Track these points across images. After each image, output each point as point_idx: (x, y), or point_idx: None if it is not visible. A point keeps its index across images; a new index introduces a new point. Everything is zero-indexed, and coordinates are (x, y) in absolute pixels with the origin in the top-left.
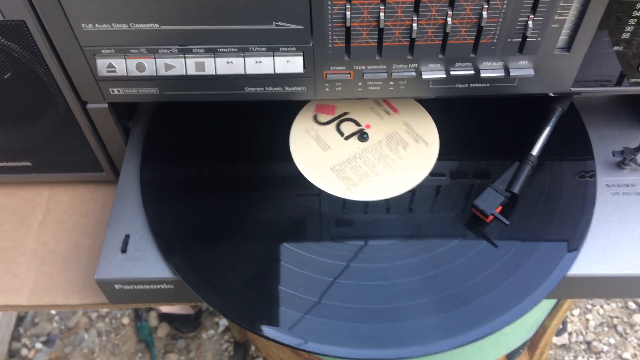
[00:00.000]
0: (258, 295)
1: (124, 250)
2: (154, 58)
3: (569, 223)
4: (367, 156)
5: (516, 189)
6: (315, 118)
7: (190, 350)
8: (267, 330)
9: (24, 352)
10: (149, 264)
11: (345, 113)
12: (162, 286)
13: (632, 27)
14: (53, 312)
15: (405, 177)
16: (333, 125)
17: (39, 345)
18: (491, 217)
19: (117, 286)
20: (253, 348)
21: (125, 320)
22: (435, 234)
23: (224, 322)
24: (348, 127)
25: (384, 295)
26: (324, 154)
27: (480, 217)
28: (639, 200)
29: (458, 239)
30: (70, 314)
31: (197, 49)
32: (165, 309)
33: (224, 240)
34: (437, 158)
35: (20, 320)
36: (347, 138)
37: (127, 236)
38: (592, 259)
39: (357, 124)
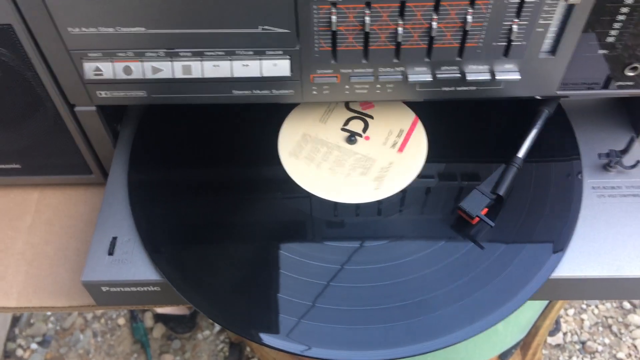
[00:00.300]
0: (244, 298)
1: (111, 253)
2: (141, 61)
3: (554, 225)
4: (332, 152)
5: (502, 191)
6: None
7: (186, 350)
8: (253, 332)
9: (20, 352)
10: (135, 267)
11: (370, 116)
12: (149, 288)
13: (617, 30)
14: (48, 312)
15: (329, 189)
16: (350, 114)
17: (34, 346)
18: (477, 219)
19: (104, 288)
20: (248, 349)
21: (121, 321)
22: (421, 236)
23: None
24: (355, 125)
25: (372, 297)
26: (316, 124)
27: (466, 219)
28: (624, 202)
29: (443, 241)
30: (66, 315)
31: (184, 52)
32: (160, 309)
33: (211, 243)
34: (425, 160)
35: (15, 320)
36: (342, 129)
37: (115, 238)
38: (577, 261)
39: (364, 129)
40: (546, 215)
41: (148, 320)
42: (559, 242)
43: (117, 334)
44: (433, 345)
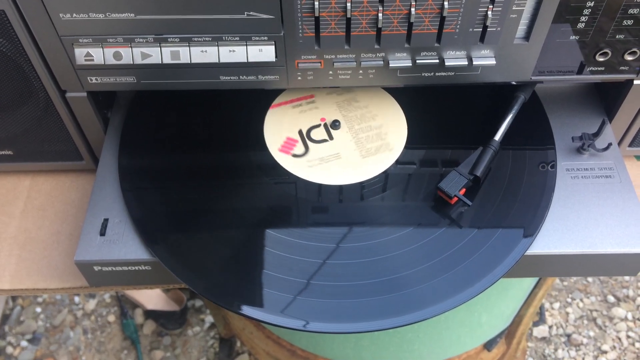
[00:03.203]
0: (232, 275)
1: (102, 234)
2: (131, 47)
3: (529, 205)
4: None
5: (479, 172)
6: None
7: (176, 347)
8: (238, 306)
9: (9, 350)
10: (127, 246)
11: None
12: (140, 267)
13: (586, 17)
14: (38, 310)
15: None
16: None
17: (24, 343)
18: (455, 198)
19: (96, 268)
20: (238, 344)
21: (111, 318)
22: (401, 218)
23: (209, 318)
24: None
25: (355, 274)
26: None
27: (445, 199)
28: (596, 183)
29: (423, 222)
30: (56, 312)
31: (172, 38)
32: (150, 306)
33: (200, 223)
34: (404, 146)
35: (5, 318)
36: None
37: (106, 220)
38: (551, 239)
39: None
40: (522, 196)
41: (138, 317)
42: (534, 221)
43: (107, 330)
44: (411, 319)
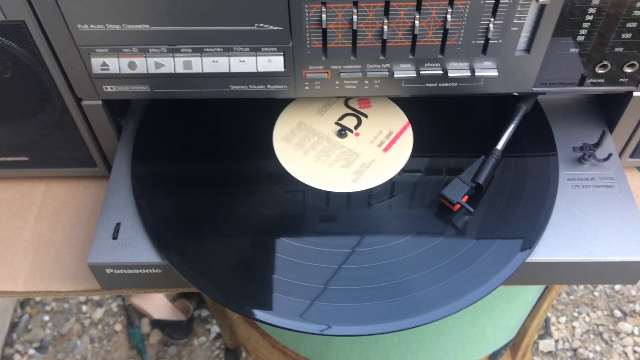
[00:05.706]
0: (241, 279)
1: (115, 237)
2: (145, 57)
3: (531, 213)
4: (322, 142)
5: (481, 180)
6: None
7: (182, 356)
8: (246, 310)
9: (17, 358)
10: (138, 250)
11: (364, 115)
12: (151, 271)
13: (586, 30)
14: (46, 318)
15: (312, 176)
16: (347, 110)
17: (32, 352)
18: (458, 205)
19: (108, 270)
20: (244, 354)
21: (118, 327)
22: (404, 224)
23: (215, 328)
24: (349, 120)
25: (359, 278)
26: (313, 115)
27: (448, 206)
28: (597, 193)
29: (425, 228)
30: (63, 321)
31: (185, 48)
32: (157, 315)
33: (211, 227)
34: (410, 155)
35: (13, 326)
36: (336, 123)
37: (118, 224)
38: (552, 246)
39: (356, 126)
40: (523, 204)
41: (145, 327)
42: (535, 228)
43: (114, 340)
44: (414, 322)
